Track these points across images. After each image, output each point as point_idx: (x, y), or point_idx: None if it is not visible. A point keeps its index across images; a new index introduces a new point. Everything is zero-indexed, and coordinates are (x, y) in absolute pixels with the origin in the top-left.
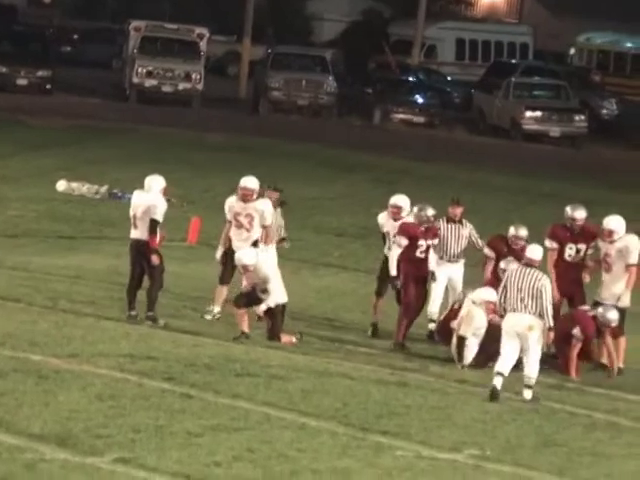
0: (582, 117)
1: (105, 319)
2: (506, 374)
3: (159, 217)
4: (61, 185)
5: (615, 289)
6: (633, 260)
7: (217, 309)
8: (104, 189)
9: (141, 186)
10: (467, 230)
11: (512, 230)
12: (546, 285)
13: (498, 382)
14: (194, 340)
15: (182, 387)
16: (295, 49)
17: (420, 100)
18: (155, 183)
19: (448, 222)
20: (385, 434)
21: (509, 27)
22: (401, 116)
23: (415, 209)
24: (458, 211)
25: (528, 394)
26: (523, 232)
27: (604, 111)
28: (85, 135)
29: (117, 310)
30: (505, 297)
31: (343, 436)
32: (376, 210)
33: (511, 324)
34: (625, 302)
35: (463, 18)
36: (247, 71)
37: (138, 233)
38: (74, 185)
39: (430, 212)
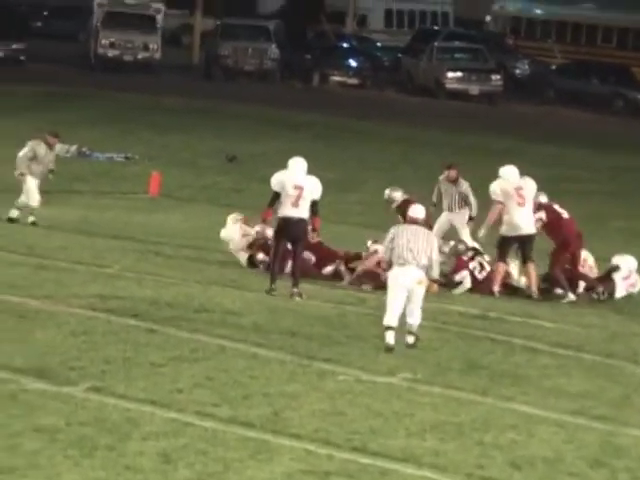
0: (498, 77)
1: (77, 263)
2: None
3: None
4: None
5: None
6: None
7: None
8: (74, 148)
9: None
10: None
11: None
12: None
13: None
14: (156, 281)
15: (146, 323)
16: (242, 21)
17: (354, 64)
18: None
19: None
20: (328, 361)
21: None
22: (337, 79)
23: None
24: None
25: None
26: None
27: (517, 71)
28: (55, 101)
29: (87, 256)
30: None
31: (290, 364)
32: None
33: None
34: None
35: None
36: (199, 41)
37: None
38: None
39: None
